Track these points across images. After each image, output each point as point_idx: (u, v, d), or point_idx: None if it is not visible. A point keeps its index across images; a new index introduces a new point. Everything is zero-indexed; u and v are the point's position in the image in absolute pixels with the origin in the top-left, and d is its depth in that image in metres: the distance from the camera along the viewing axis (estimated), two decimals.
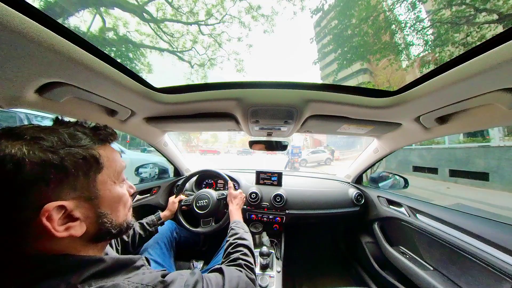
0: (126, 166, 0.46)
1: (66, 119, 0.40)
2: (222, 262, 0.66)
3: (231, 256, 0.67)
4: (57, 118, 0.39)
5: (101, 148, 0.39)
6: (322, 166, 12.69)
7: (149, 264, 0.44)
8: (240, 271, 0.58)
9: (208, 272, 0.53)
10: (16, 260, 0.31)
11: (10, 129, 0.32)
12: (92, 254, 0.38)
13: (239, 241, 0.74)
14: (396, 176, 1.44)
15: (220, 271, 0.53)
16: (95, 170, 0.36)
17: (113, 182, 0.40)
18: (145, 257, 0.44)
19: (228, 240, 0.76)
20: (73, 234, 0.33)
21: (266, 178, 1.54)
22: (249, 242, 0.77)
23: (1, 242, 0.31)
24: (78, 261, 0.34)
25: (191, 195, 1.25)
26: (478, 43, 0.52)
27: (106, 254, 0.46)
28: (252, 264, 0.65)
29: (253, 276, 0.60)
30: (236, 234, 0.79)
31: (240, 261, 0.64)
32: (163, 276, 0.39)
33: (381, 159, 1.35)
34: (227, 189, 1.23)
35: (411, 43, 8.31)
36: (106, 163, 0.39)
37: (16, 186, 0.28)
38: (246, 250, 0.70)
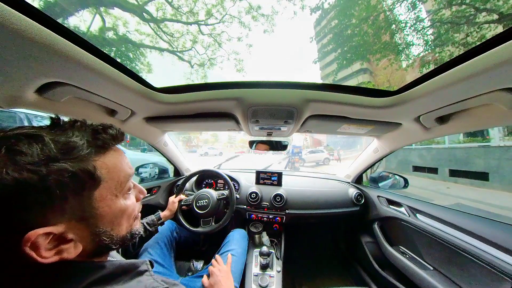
0: (133, 173, 0.40)
1: (65, 119, 0.35)
2: None
3: None
4: (52, 120, 0.33)
5: (101, 157, 0.32)
6: (320, 166, 12.68)
7: (153, 267, 0.41)
8: None
9: None
10: (13, 270, 0.28)
11: None
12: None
13: None
14: (396, 176, 1.44)
15: None
16: (90, 187, 0.30)
17: (114, 196, 0.34)
18: (149, 260, 0.41)
19: None
20: (66, 256, 0.29)
21: (266, 178, 1.54)
22: None
23: None
24: (78, 268, 0.31)
25: (191, 195, 1.26)
26: (478, 43, 0.52)
27: (111, 258, 0.43)
28: None
29: None
30: None
31: None
32: None
33: (381, 159, 1.35)
34: (227, 189, 1.23)
35: (411, 43, 8.31)
36: (106, 176, 0.32)
37: None
38: None
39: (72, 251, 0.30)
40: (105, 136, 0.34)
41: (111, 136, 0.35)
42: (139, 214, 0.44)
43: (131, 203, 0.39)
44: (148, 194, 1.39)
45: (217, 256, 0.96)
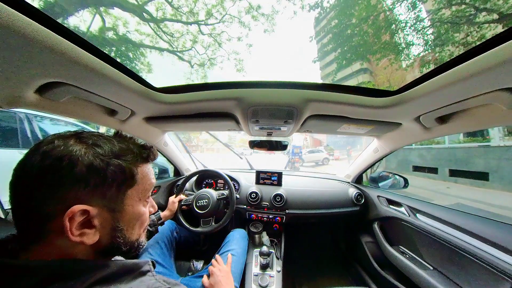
0: (155, 184, 0.47)
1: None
2: None
3: None
4: (117, 131, 0.43)
5: (141, 166, 0.41)
6: (320, 166, 12.67)
7: (155, 267, 0.43)
8: None
9: None
10: (21, 265, 0.30)
11: (81, 133, 0.37)
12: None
13: None
14: (396, 175, 1.44)
15: None
16: (128, 185, 0.38)
17: (138, 199, 0.41)
18: (151, 261, 0.43)
19: None
20: (85, 241, 0.33)
21: (266, 177, 1.54)
22: None
23: (27, 224, 0.32)
24: (83, 267, 0.33)
25: (191, 194, 1.26)
26: (478, 42, 0.52)
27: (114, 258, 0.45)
28: None
29: None
30: None
31: None
32: None
33: (381, 159, 1.35)
34: (227, 189, 1.23)
35: (411, 42, 8.32)
36: (139, 180, 0.40)
37: (62, 179, 0.31)
38: None
39: (91, 237, 0.34)
40: (149, 151, 0.43)
41: (152, 153, 0.44)
42: (146, 229, 0.48)
43: (147, 212, 0.45)
44: None
45: (217, 256, 0.97)
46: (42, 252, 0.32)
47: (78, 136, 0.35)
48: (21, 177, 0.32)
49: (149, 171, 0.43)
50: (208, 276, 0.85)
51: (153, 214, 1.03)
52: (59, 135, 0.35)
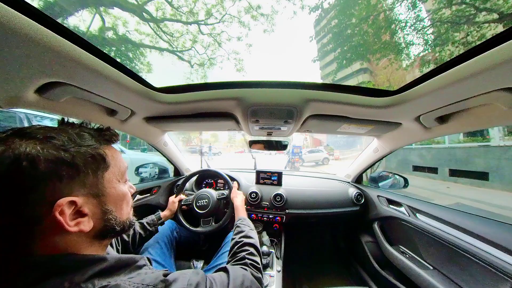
0: (128, 167, 0.47)
1: (70, 120, 0.41)
2: (228, 262, 0.66)
3: (237, 255, 0.66)
4: (62, 119, 0.40)
5: (106, 148, 0.41)
6: (320, 166, 12.65)
7: (151, 264, 0.45)
8: (246, 269, 0.58)
9: (214, 272, 0.53)
10: (21, 261, 0.31)
11: (21, 129, 0.33)
12: (95, 253, 0.38)
13: (245, 240, 0.73)
14: (396, 175, 1.44)
15: (225, 270, 0.53)
16: (102, 169, 0.38)
17: (117, 180, 0.42)
18: (147, 257, 0.45)
19: (234, 238, 0.76)
20: (82, 229, 0.34)
21: (266, 177, 1.54)
22: (255, 240, 0.75)
23: (8, 243, 0.31)
24: (81, 260, 0.34)
25: (191, 194, 1.26)
26: (478, 42, 0.52)
27: (108, 254, 0.46)
28: (258, 264, 0.64)
29: (259, 275, 0.60)
30: (242, 232, 0.79)
31: (246, 260, 0.63)
32: (165, 275, 0.39)
33: (381, 158, 1.35)
34: (227, 188, 1.23)
35: (411, 42, 8.30)
36: (112, 162, 0.41)
37: (30, 183, 0.30)
38: (252, 249, 0.69)
39: (86, 224, 0.35)
40: (109, 133, 0.43)
41: (113, 134, 0.44)
42: (132, 207, 0.49)
43: (128, 192, 0.46)
44: (148, 194, 1.39)
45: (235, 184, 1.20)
46: (39, 252, 0.33)
47: (21, 133, 0.32)
48: None
49: (117, 153, 0.44)
50: None
51: (154, 214, 1.03)
52: None
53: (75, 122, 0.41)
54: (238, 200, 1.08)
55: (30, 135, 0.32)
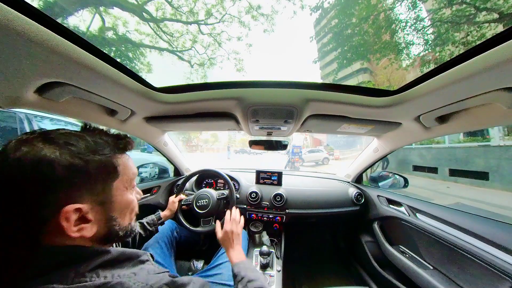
0: (137, 173, 0.48)
1: (92, 125, 0.42)
2: None
3: None
4: (85, 124, 0.42)
5: (120, 157, 0.42)
6: (320, 166, 12.65)
7: (153, 260, 0.46)
8: None
9: None
10: (29, 252, 0.33)
11: (46, 133, 0.35)
12: None
13: (250, 285, 0.57)
14: (396, 175, 1.44)
15: None
16: (112, 177, 0.39)
17: (125, 188, 0.42)
18: (149, 253, 0.46)
19: None
20: (85, 235, 0.35)
21: (266, 177, 1.54)
22: (262, 282, 0.59)
23: (18, 236, 0.33)
24: (86, 252, 0.36)
25: (191, 194, 1.25)
26: (478, 42, 0.52)
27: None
28: None
29: None
30: (243, 277, 0.60)
31: None
32: (172, 278, 0.39)
33: (381, 158, 1.35)
34: (227, 188, 1.23)
35: (412, 42, 8.30)
36: (122, 171, 0.41)
37: (47, 185, 0.31)
38: None
39: (89, 230, 0.36)
40: (125, 141, 0.43)
41: (128, 142, 0.44)
42: (136, 215, 0.49)
43: (135, 199, 0.47)
44: (148, 194, 1.39)
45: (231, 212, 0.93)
46: (44, 244, 0.34)
47: (45, 137, 0.34)
48: None
49: (129, 160, 0.44)
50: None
51: (154, 214, 1.03)
52: (22, 140, 0.33)
53: (96, 128, 0.42)
54: (227, 234, 0.83)
55: (53, 140, 0.33)
